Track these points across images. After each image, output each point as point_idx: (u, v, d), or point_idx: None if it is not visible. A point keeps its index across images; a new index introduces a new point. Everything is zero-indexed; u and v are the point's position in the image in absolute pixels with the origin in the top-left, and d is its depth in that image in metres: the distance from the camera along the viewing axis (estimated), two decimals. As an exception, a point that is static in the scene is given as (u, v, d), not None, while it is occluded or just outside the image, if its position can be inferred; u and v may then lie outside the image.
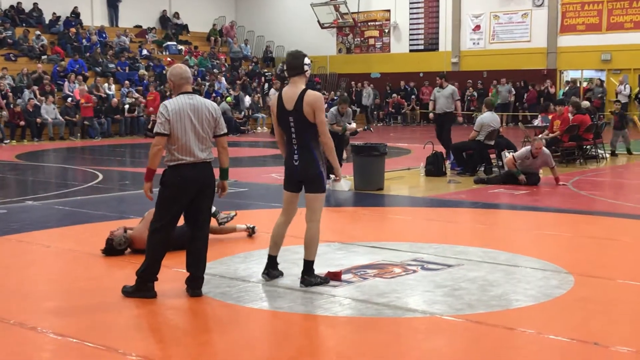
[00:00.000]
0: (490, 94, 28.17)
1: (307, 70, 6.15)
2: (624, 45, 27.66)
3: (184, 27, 34.77)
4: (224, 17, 36.35)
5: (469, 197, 11.33)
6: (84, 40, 29.41)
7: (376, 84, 32.98)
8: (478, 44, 31.11)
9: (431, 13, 32.19)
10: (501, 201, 11.09)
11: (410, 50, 32.95)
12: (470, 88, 30.27)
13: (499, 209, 10.69)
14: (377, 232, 8.88)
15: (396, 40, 33.39)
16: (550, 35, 29.37)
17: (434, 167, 13.71)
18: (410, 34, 32.89)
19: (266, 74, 33.39)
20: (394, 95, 32.03)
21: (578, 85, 28.93)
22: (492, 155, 14.17)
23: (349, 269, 6.73)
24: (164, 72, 27.47)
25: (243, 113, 27.91)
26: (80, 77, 25.89)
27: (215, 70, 31.30)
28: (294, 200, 6.29)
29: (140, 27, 33.28)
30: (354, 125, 13.65)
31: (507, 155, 13.17)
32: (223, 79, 29.98)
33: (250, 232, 8.22)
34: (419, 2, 32.44)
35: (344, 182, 11.69)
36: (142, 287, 5.87)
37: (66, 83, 25.82)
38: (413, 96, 31.88)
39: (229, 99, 27.28)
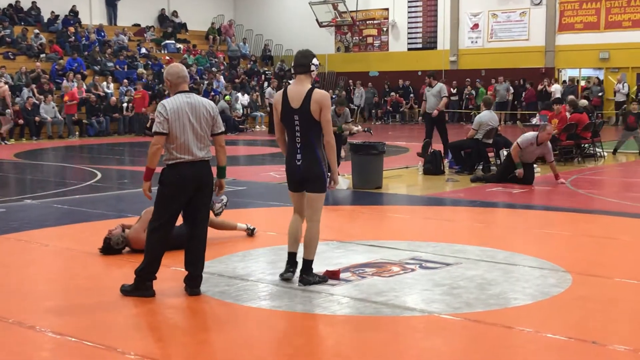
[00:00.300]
0: (488, 92, 28.17)
1: (313, 70, 6.15)
2: (622, 43, 27.68)
3: (183, 26, 34.76)
4: (223, 16, 36.34)
5: (467, 196, 11.34)
6: (82, 39, 29.40)
7: (374, 82, 32.99)
8: (476, 42, 31.12)
9: (429, 12, 32.19)
10: (499, 200, 11.09)
11: (409, 49, 32.96)
12: (469, 87, 30.30)
13: (497, 207, 10.69)
14: (375, 230, 8.89)
15: (394, 38, 33.40)
16: (548, 33, 29.39)
17: (432, 166, 13.73)
18: (408, 33, 32.89)
19: (266, 72, 33.39)
20: (392, 93, 32.04)
21: (575, 84, 28.95)
22: (491, 154, 14.19)
23: (347, 267, 6.74)
24: (162, 70, 27.45)
25: (239, 112, 27.78)
26: (71, 75, 25.81)
27: (213, 68, 31.30)
28: (301, 198, 6.26)
29: (139, 25, 33.27)
30: (355, 128, 13.35)
31: (505, 154, 13.19)
32: (222, 77, 29.97)
33: (250, 232, 8.21)
34: (417, 1, 32.44)
35: (342, 181, 11.70)
36: (141, 286, 5.87)
37: (64, 82, 25.79)
38: (411, 94, 31.89)
39: (227, 97, 27.26)
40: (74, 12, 30.80)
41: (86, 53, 28.68)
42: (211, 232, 6.56)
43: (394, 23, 33.20)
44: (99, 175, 14.04)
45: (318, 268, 6.36)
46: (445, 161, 14.38)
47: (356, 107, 31.59)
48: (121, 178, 14.43)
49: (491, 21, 30.62)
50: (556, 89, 27.37)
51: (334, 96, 26.81)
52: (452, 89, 30.61)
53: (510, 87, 29.06)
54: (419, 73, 31.90)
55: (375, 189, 11.91)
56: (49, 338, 5.03)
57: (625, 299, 5.91)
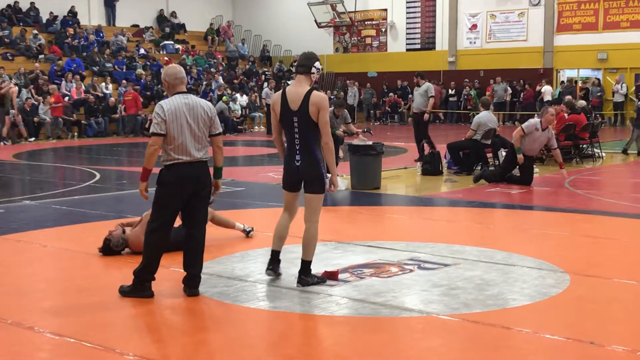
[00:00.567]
0: (486, 93, 28.19)
1: (314, 73, 6.16)
2: (620, 44, 27.70)
3: (181, 27, 34.77)
4: (221, 17, 36.36)
5: (465, 197, 11.35)
6: (81, 40, 29.39)
7: (373, 83, 33.00)
8: (475, 43, 31.14)
9: (428, 12, 32.21)
10: (497, 200, 11.11)
11: (407, 50, 32.97)
12: (467, 87, 30.31)
13: (496, 208, 10.71)
14: (373, 231, 8.89)
15: (393, 39, 33.41)
16: (546, 34, 29.41)
17: (430, 166, 13.74)
18: (407, 33, 32.91)
19: (266, 72, 33.40)
20: (391, 94, 32.04)
21: (573, 84, 28.96)
22: (489, 155, 14.19)
23: (345, 268, 6.74)
24: (161, 71, 27.43)
25: (237, 113, 27.75)
26: (70, 76, 25.79)
27: (212, 69, 31.30)
28: (295, 199, 6.30)
29: (138, 26, 33.28)
30: (355, 130, 13.29)
31: (504, 154, 13.20)
32: (220, 78, 29.97)
33: (246, 233, 8.20)
34: (415, 2, 32.46)
35: (341, 181, 11.70)
36: (139, 287, 5.87)
37: (63, 82, 25.79)
38: (410, 95, 31.86)
39: (225, 98, 27.25)
40: (72, 13, 30.80)
41: (85, 54, 28.68)
42: (210, 233, 6.56)
43: (392, 24, 33.21)
44: (98, 175, 14.05)
45: (316, 269, 6.36)
46: (444, 161, 14.38)
47: (351, 106, 31.38)
48: (120, 179, 14.42)
49: (489, 22, 30.64)
50: (546, 90, 27.29)
51: (332, 97, 26.82)
52: (450, 90, 30.73)
53: (508, 88, 29.09)
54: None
55: (374, 189, 11.92)
56: (48, 338, 5.03)
57: (624, 299, 5.91)
